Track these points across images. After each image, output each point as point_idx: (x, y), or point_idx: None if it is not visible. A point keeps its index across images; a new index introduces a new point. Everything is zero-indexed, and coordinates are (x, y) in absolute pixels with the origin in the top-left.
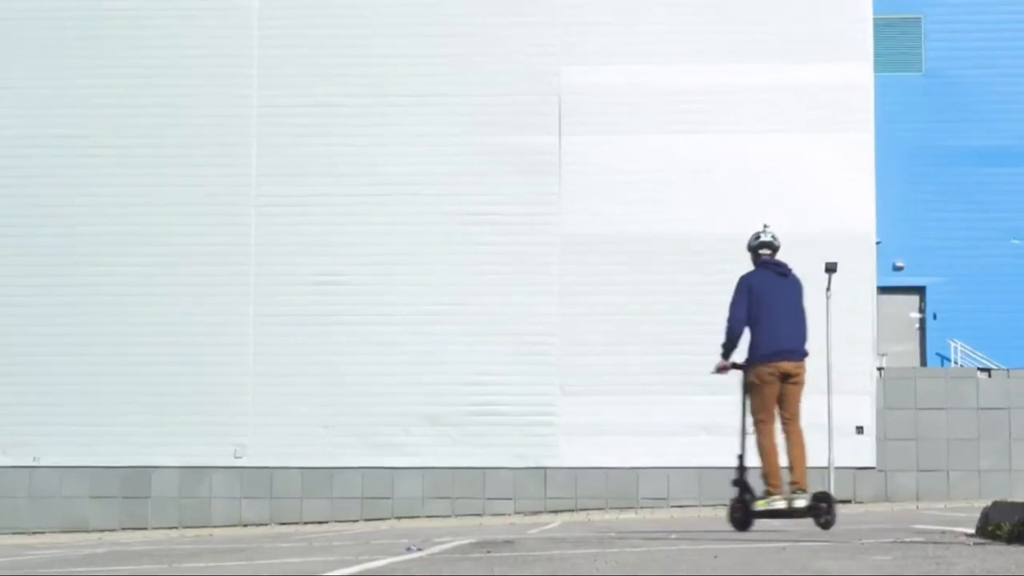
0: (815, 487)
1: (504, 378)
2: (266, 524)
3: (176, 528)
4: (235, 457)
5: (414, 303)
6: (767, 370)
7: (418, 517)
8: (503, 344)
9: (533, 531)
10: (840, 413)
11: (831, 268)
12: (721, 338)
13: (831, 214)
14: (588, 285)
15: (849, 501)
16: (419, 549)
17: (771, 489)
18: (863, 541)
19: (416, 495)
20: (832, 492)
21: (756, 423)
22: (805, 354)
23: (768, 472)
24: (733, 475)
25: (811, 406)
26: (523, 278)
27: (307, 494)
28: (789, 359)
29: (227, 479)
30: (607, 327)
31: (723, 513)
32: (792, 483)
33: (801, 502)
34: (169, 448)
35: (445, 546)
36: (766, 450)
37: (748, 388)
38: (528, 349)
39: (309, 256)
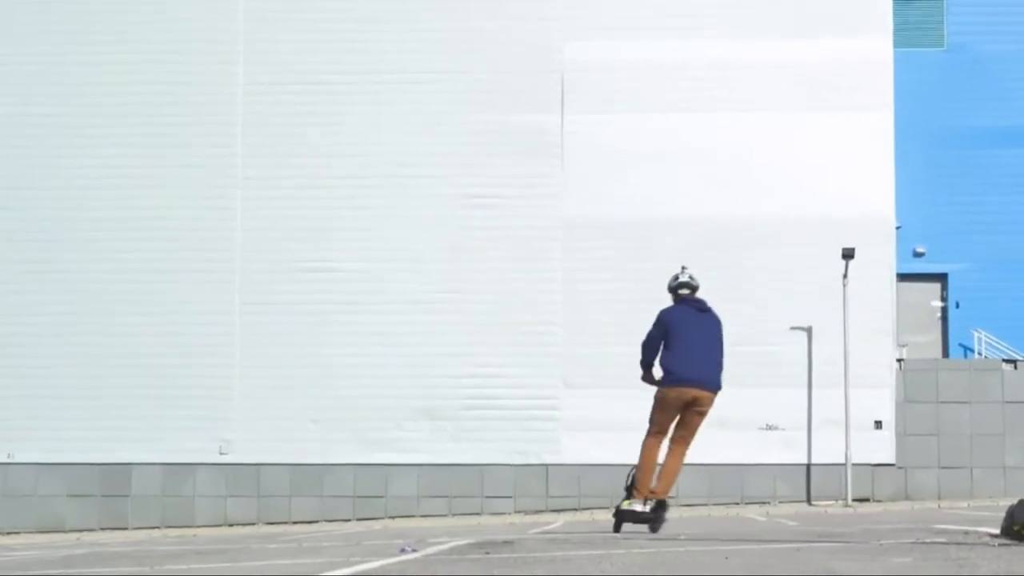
0: (831, 484)
1: (503, 370)
2: (253, 524)
3: (158, 528)
4: (220, 453)
5: (408, 291)
6: (673, 394)
7: (413, 517)
8: (502, 334)
9: (534, 531)
10: (858, 407)
11: (848, 254)
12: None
13: (848, 197)
14: (592, 271)
15: (867, 500)
16: (414, 550)
17: (636, 493)
18: (882, 542)
19: (411, 493)
20: (850, 490)
21: (649, 431)
22: (717, 387)
23: (640, 477)
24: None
25: (828, 400)
26: (523, 264)
27: (296, 492)
28: (698, 388)
29: (211, 476)
30: (613, 316)
31: (735, 512)
32: (652, 492)
33: (647, 508)
34: (150, 444)
35: (441, 547)
36: (645, 458)
37: (655, 402)
38: (529, 339)
39: (298, 242)
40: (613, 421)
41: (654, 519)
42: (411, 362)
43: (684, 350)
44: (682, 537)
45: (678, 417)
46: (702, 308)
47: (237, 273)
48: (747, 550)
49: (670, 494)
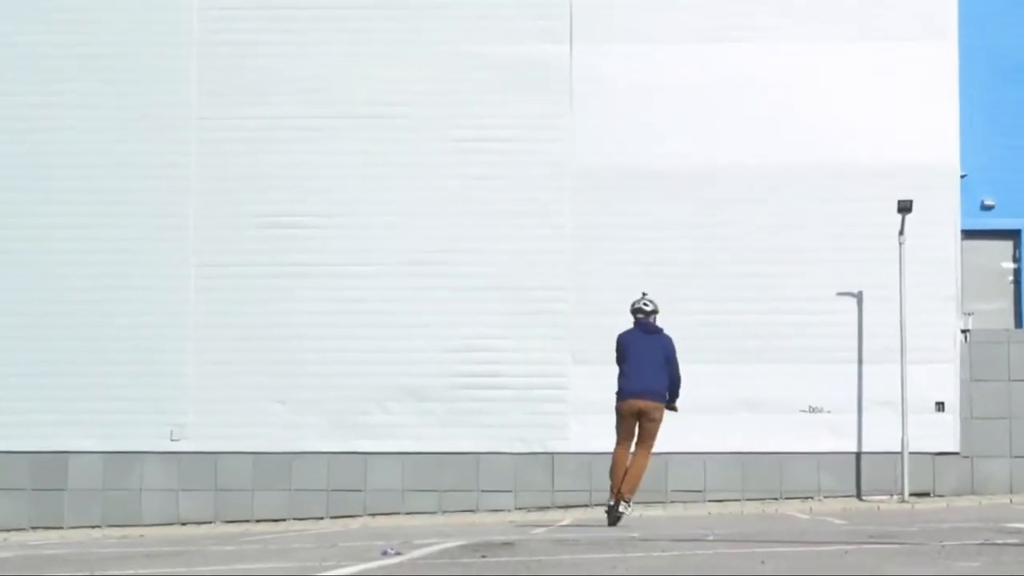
0: (885, 476)
1: (503, 343)
2: (209, 522)
3: (98, 527)
4: (171, 440)
5: (392, 251)
6: (624, 407)
7: (396, 514)
8: (502, 301)
9: (538, 531)
10: (916, 386)
11: (905, 207)
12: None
13: (905, 142)
14: (606, 228)
15: (927, 494)
16: (398, 553)
17: (613, 493)
18: (944, 543)
19: (394, 486)
20: (907, 483)
21: (616, 442)
22: (663, 398)
23: (612, 481)
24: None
25: (881, 378)
26: (526, 220)
27: (259, 485)
28: (644, 400)
29: (161, 467)
30: (631, 280)
31: (772, 509)
32: (619, 492)
33: (610, 503)
34: (90, 430)
35: (430, 549)
36: (614, 464)
37: (616, 416)
38: (532, 307)
39: (263, 193)
40: None
41: (612, 514)
42: (395, 333)
43: (632, 368)
44: (710, 538)
45: (638, 426)
46: (649, 331)
47: (191, 230)
48: (786, 553)
49: (635, 494)
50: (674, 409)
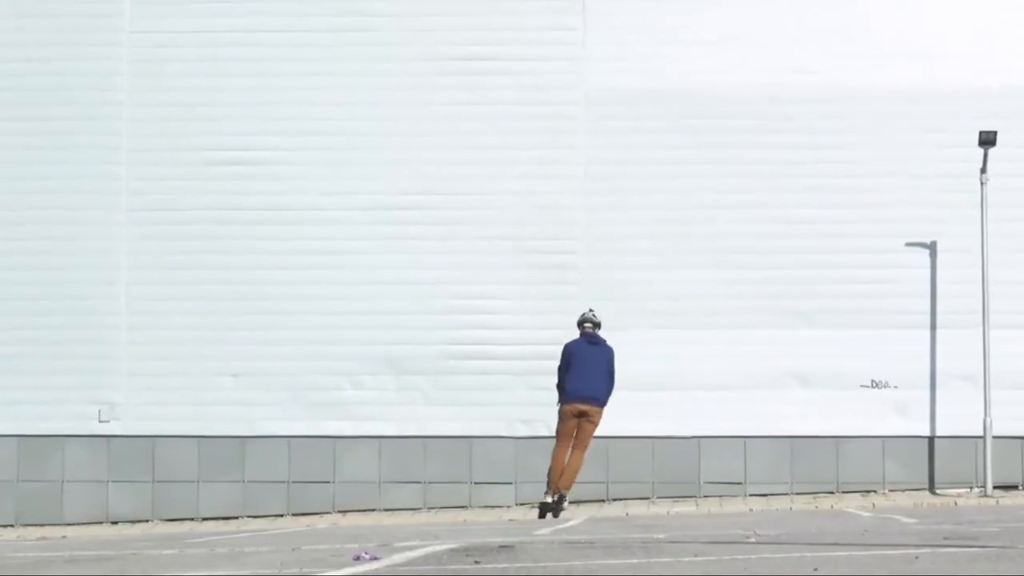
0: (963, 465)
1: (502, 304)
2: (145, 520)
3: (11, 526)
4: (99, 421)
5: (370, 193)
6: (568, 408)
7: (373, 511)
8: (501, 253)
9: (543, 531)
10: (1002, 356)
11: (988, 140)
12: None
13: (986, 59)
14: (625, 164)
15: (1015, 487)
16: (374, 558)
17: (550, 488)
18: None
19: (369, 477)
20: (990, 474)
21: (556, 440)
22: (602, 403)
23: (550, 477)
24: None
25: (957, 346)
26: (531, 154)
27: (206, 476)
28: (586, 403)
29: (87, 453)
30: (652, 226)
31: (827, 504)
32: (556, 487)
33: (554, 499)
34: (1, 409)
35: (413, 553)
36: (554, 461)
37: (558, 416)
38: (537, 260)
39: (210, 122)
40: (655, 376)
41: (554, 508)
42: (371, 292)
43: (576, 374)
44: (752, 539)
45: (577, 426)
46: (593, 342)
47: (123, 167)
48: (843, 558)
49: (572, 488)
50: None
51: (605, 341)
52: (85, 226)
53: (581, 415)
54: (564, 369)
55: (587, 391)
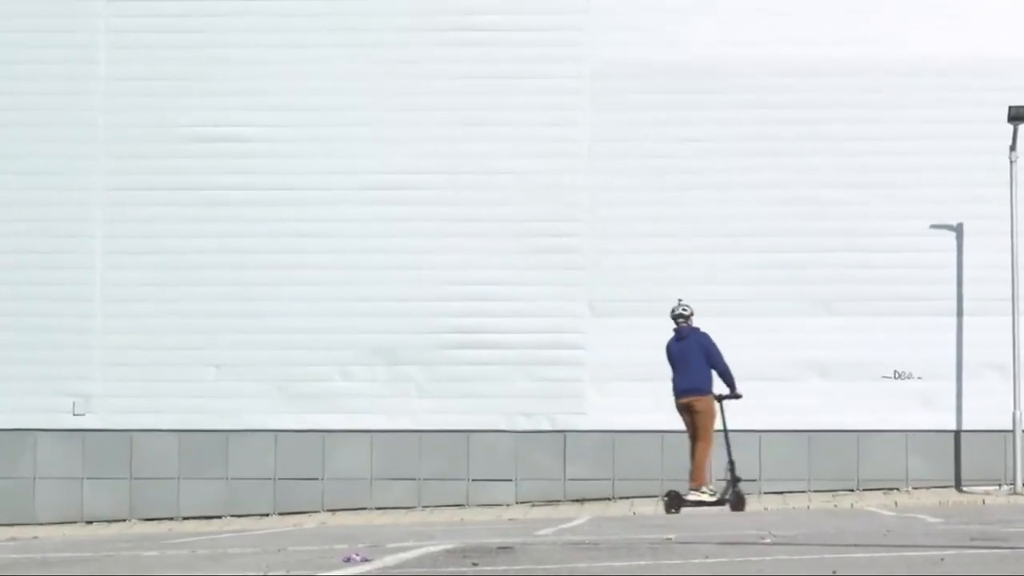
0: (992, 461)
1: (501, 289)
2: (122, 520)
3: None
4: (73, 414)
5: (361, 172)
6: (677, 406)
7: (364, 509)
8: (500, 236)
9: (545, 531)
10: None
11: (1019, 115)
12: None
13: (1015, 31)
14: (632, 141)
15: None
16: (365, 560)
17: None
18: None
19: (360, 474)
20: (1020, 471)
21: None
22: (702, 390)
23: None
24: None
25: (986, 334)
26: (532, 130)
27: (187, 472)
28: (685, 396)
29: (60, 449)
30: (661, 207)
31: (847, 502)
32: (692, 485)
33: (695, 496)
34: None
35: (406, 555)
36: (691, 458)
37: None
38: (539, 243)
39: (191, 97)
40: (662, 366)
41: (675, 502)
42: (363, 278)
43: (674, 372)
44: (767, 540)
45: (691, 420)
46: (680, 336)
47: (99, 144)
48: (864, 560)
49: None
50: (735, 396)
51: (697, 330)
52: (57, 207)
53: (689, 409)
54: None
55: (683, 384)
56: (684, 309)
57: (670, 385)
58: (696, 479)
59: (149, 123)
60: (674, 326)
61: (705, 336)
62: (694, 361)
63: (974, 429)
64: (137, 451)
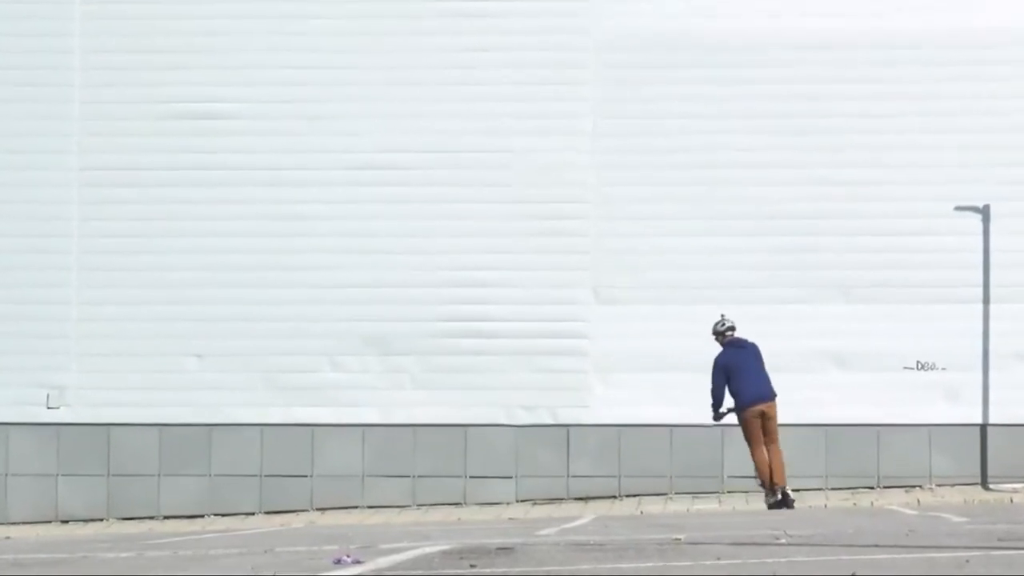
0: (1019, 457)
1: (500, 275)
2: (100, 519)
3: None
4: (47, 407)
5: (352, 151)
6: (751, 412)
7: (355, 508)
8: (500, 218)
9: (547, 531)
10: None
11: None
12: (710, 400)
13: None
14: (640, 118)
15: None
16: (356, 562)
17: (769, 488)
18: None
19: (352, 471)
20: None
21: (749, 446)
22: (774, 395)
23: (762, 479)
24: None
25: (1014, 322)
26: (533, 107)
27: (168, 469)
28: (762, 402)
29: (34, 444)
30: (669, 188)
31: (867, 501)
32: (774, 483)
33: (777, 496)
34: None
35: (401, 556)
36: (759, 464)
37: (741, 425)
38: (541, 226)
39: (170, 72)
40: (673, 356)
41: (784, 502)
42: (353, 263)
43: (744, 380)
44: (782, 540)
45: (763, 425)
46: (740, 345)
47: (75, 121)
48: (886, 561)
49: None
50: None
51: (747, 339)
52: (31, 188)
53: (763, 415)
54: (724, 380)
55: (760, 391)
56: (730, 321)
57: (683, 379)
58: (779, 479)
59: (127, 99)
60: (723, 340)
61: (756, 345)
62: (761, 367)
63: (1001, 423)
64: (115, 446)
